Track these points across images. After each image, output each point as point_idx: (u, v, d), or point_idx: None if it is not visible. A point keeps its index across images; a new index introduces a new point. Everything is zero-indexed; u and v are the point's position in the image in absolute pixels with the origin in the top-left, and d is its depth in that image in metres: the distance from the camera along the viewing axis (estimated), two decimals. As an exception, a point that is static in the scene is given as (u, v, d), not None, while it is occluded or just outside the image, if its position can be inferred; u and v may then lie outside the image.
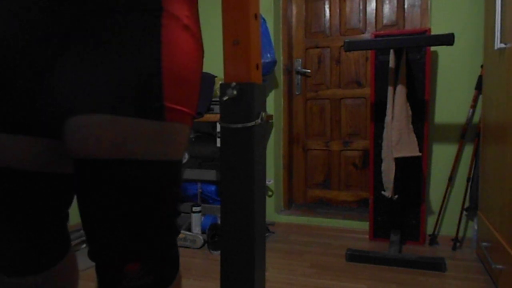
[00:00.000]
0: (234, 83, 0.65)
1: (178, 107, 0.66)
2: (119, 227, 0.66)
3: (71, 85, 0.62)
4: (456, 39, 2.32)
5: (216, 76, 2.59)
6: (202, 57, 0.72)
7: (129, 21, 0.63)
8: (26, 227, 0.77)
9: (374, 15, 2.74)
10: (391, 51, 2.17)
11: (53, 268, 0.83)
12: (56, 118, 0.66)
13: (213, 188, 2.63)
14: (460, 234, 2.39)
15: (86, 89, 0.61)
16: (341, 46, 2.81)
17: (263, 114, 0.68)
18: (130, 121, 0.61)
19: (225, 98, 0.64)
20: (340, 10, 2.82)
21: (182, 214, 2.67)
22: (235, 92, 0.64)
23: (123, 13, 0.63)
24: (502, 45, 1.66)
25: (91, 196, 0.65)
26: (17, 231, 0.76)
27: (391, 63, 2.16)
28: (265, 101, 0.71)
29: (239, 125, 0.66)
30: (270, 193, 2.84)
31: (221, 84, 0.68)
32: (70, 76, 0.62)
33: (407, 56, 2.32)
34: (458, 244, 2.30)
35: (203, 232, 2.46)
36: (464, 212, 2.36)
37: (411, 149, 2.14)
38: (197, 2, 0.67)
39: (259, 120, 0.67)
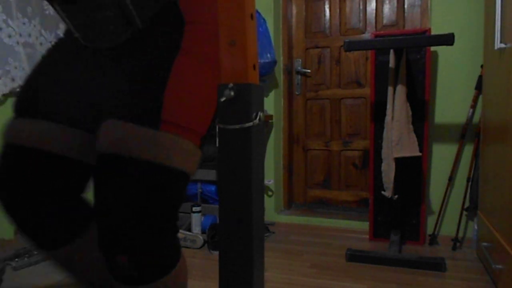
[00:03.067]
0: (231, 84, 0.65)
1: (174, 121, 0.80)
2: (113, 218, 0.78)
3: (108, 98, 0.84)
4: (456, 39, 2.32)
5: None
6: (218, 79, 0.84)
7: (148, 59, 0.83)
8: (57, 204, 0.93)
9: (374, 15, 2.74)
10: (391, 51, 2.17)
11: (79, 239, 0.98)
12: (93, 118, 0.87)
13: (213, 188, 2.63)
14: (460, 234, 2.38)
15: (118, 102, 0.82)
16: (341, 46, 2.81)
17: (261, 114, 0.68)
18: (133, 127, 0.78)
19: (223, 99, 0.64)
20: (340, 10, 2.82)
21: (182, 214, 2.67)
22: (232, 93, 0.64)
23: (143, 55, 0.84)
24: (502, 45, 1.66)
25: (100, 184, 0.81)
26: (49, 208, 0.92)
27: (391, 63, 2.16)
28: (263, 102, 0.71)
29: (237, 126, 0.66)
30: (270, 193, 2.84)
31: (218, 86, 0.68)
32: (107, 91, 0.84)
33: (407, 56, 2.32)
34: (458, 244, 2.30)
35: (203, 232, 2.46)
36: (464, 212, 2.35)
37: (411, 149, 2.13)
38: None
39: (257, 121, 0.67)
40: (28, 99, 0.92)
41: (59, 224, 0.95)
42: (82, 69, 0.92)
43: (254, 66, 0.65)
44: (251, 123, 0.65)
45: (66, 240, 0.96)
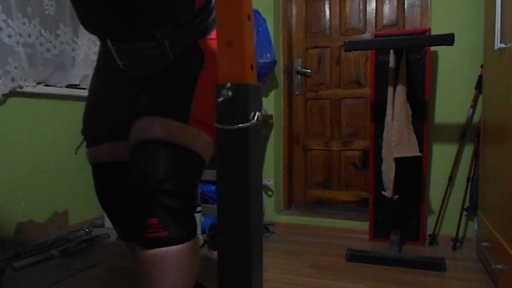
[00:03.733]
0: (229, 84, 0.65)
1: (198, 118, 1.06)
2: (150, 185, 0.99)
3: (143, 107, 1.09)
4: (456, 39, 2.32)
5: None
6: None
7: (179, 75, 1.10)
8: (129, 200, 1.16)
9: (374, 15, 2.74)
10: (391, 51, 2.17)
11: None
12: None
13: (213, 188, 2.63)
14: (460, 234, 2.38)
15: (150, 106, 1.07)
16: (341, 46, 2.81)
17: (259, 114, 0.68)
18: (169, 120, 1.03)
19: (220, 99, 0.64)
20: (340, 10, 2.82)
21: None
22: (230, 93, 0.64)
23: (173, 70, 1.11)
24: (502, 45, 1.66)
25: (140, 161, 1.03)
26: (127, 203, 1.19)
27: (391, 63, 2.16)
28: (261, 102, 0.71)
29: (235, 127, 0.66)
30: (270, 193, 2.84)
31: (216, 86, 0.68)
32: (144, 102, 1.10)
33: (407, 56, 2.31)
34: (458, 244, 2.30)
35: (203, 232, 2.46)
36: (464, 212, 2.35)
37: (411, 149, 2.13)
38: None
39: (254, 121, 0.67)
40: (92, 129, 1.24)
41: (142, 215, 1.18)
42: (123, 88, 1.20)
43: (251, 67, 0.65)
44: (248, 124, 0.65)
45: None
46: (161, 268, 0.99)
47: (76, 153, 1.58)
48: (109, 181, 1.23)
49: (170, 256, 0.99)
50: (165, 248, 0.99)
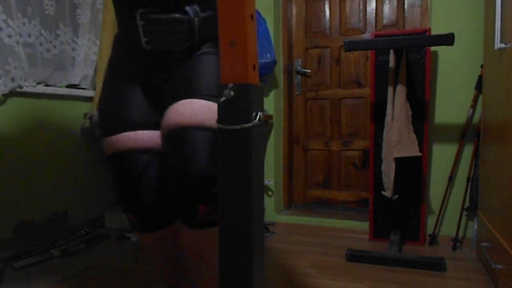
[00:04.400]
0: (231, 84, 0.65)
1: None
2: (193, 180, 1.06)
3: (174, 92, 1.15)
4: (456, 39, 2.32)
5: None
6: None
7: (203, 59, 1.16)
8: (154, 182, 1.21)
9: (374, 15, 2.74)
10: (391, 51, 2.17)
11: (169, 227, 1.29)
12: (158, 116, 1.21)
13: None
14: (460, 234, 2.38)
15: (183, 90, 1.14)
16: (341, 46, 2.81)
17: (261, 114, 0.68)
18: (205, 103, 1.08)
19: (222, 99, 0.64)
20: (340, 10, 2.82)
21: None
22: (232, 93, 0.64)
23: (201, 55, 1.17)
24: (502, 45, 1.66)
25: (175, 154, 1.08)
26: (151, 194, 1.21)
27: (391, 63, 2.16)
28: (262, 102, 0.71)
29: (237, 127, 0.66)
30: (270, 193, 2.84)
31: (218, 85, 0.68)
32: (175, 87, 1.17)
33: (407, 56, 2.31)
34: (458, 244, 2.30)
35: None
36: (464, 212, 2.35)
37: (411, 149, 2.13)
38: None
39: (256, 121, 0.67)
40: (114, 118, 1.23)
41: (166, 208, 1.25)
42: (147, 75, 1.21)
43: (254, 67, 0.65)
44: (250, 124, 0.65)
45: (169, 221, 1.27)
46: (212, 244, 1.14)
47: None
48: (133, 170, 1.22)
49: (216, 233, 1.10)
50: (213, 228, 1.12)
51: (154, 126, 1.23)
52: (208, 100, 1.09)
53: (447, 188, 2.36)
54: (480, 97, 2.26)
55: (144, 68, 1.22)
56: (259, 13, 2.65)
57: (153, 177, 1.22)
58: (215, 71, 1.14)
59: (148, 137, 1.22)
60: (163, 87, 1.21)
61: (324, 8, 2.86)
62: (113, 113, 1.24)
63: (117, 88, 1.25)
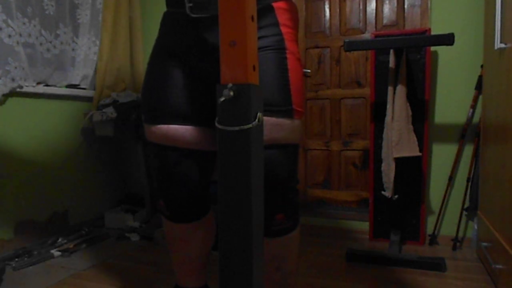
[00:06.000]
0: (230, 84, 0.64)
1: (299, 109, 1.09)
2: (270, 191, 1.06)
3: None
4: (456, 39, 2.32)
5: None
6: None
7: (267, 57, 1.06)
8: (194, 187, 1.20)
9: (374, 15, 2.74)
10: (391, 51, 2.17)
11: (204, 217, 1.29)
12: (208, 112, 1.15)
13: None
14: (460, 234, 2.38)
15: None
16: (341, 46, 2.81)
17: (260, 115, 0.68)
18: (279, 122, 1.05)
19: (222, 99, 0.64)
20: (340, 10, 2.82)
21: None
22: (231, 93, 0.64)
23: (260, 50, 1.06)
24: (502, 45, 1.66)
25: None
26: (189, 189, 1.20)
27: (391, 63, 2.16)
28: (262, 102, 0.71)
29: (236, 128, 0.66)
30: (270, 193, 2.84)
31: (218, 86, 0.68)
32: None
33: (407, 56, 2.31)
34: (458, 244, 2.30)
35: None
36: (464, 212, 2.35)
37: (411, 149, 2.13)
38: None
39: (256, 122, 0.67)
40: (163, 105, 1.15)
41: (201, 200, 1.25)
42: (201, 63, 1.12)
43: (254, 67, 0.65)
44: (250, 125, 0.65)
45: (203, 213, 1.27)
46: (288, 249, 1.19)
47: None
48: (177, 167, 1.17)
49: (293, 239, 1.19)
50: (289, 234, 1.17)
51: (205, 122, 1.16)
52: (273, 116, 1.03)
53: (447, 188, 2.36)
54: (480, 97, 2.26)
55: (194, 44, 1.11)
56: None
57: (195, 176, 1.19)
58: (278, 74, 1.06)
59: (198, 139, 1.16)
60: (213, 75, 1.09)
61: (324, 8, 2.86)
62: (161, 99, 1.15)
63: (164, 69, 1.15)
